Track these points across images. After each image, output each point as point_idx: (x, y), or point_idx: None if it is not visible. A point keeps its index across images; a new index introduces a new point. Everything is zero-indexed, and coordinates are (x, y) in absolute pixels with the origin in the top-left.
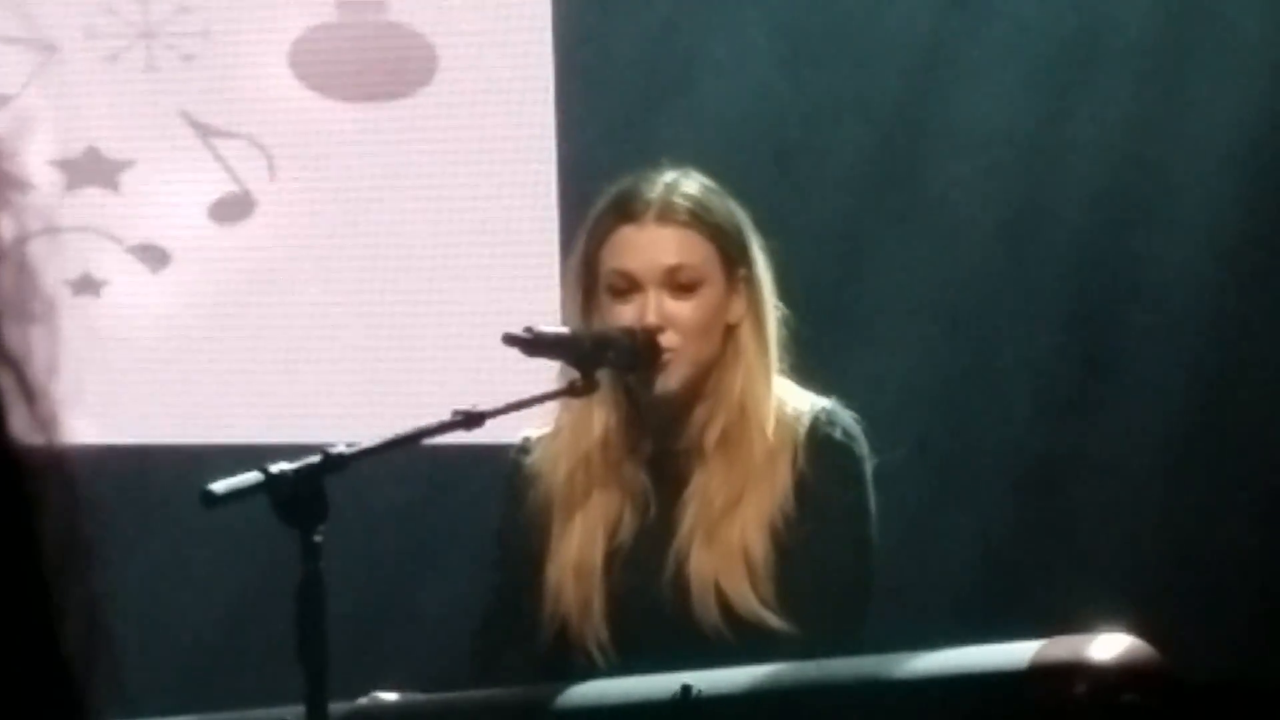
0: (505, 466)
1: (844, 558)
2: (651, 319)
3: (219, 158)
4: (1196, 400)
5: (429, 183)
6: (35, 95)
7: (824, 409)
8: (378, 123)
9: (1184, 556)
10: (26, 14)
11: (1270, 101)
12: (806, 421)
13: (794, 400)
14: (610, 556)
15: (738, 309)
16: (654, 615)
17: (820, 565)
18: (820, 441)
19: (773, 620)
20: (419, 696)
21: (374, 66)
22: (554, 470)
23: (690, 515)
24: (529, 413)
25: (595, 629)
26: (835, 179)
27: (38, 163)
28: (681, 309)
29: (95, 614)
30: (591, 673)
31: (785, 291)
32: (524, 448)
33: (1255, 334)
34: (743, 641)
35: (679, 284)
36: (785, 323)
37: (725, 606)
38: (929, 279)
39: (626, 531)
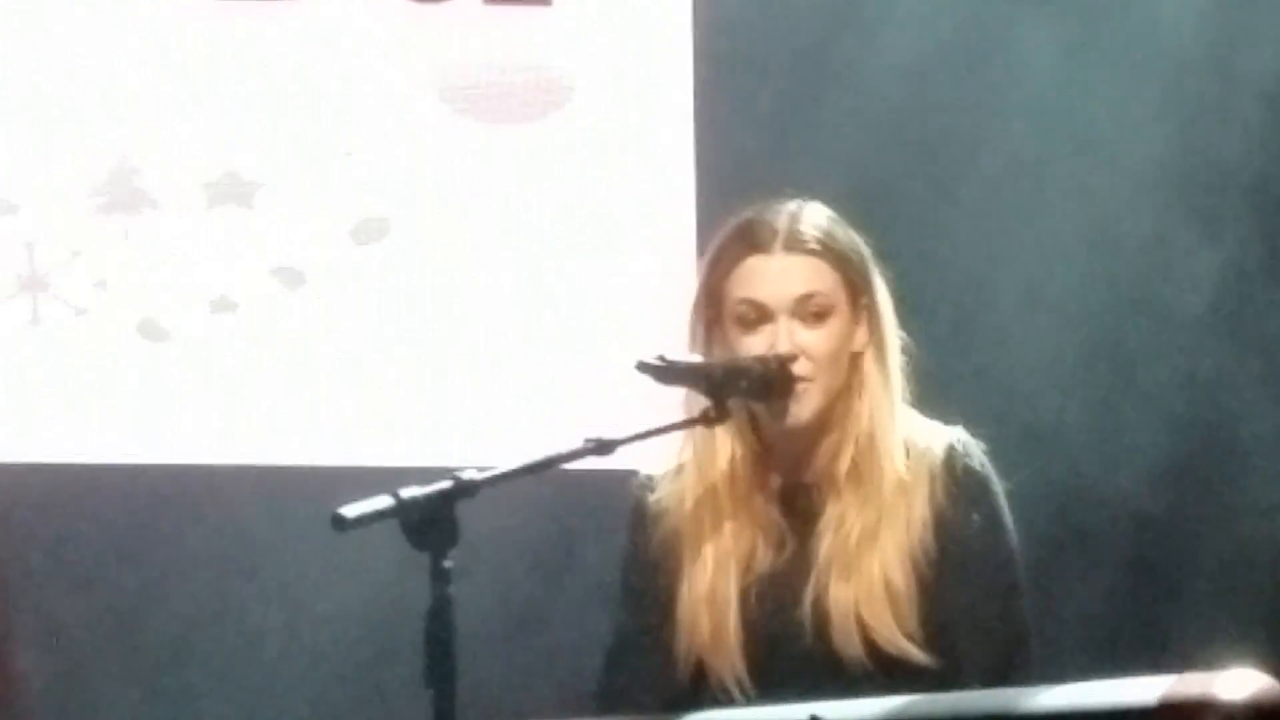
0: (628, 503)
1: (995, 595)
2: (785, 347)
3: (356, 178)
4: None
5: (564, 205)
6: (176, 116)
7: (958, 439)
8: (514, 145)
9: None
10: (165, 33)
11: None
12: (940, 452)
13: (922, 430)
14: (746, 589)
15: (861, 338)
16: (793, 648)
17: (972, 604)
18: (960, 473)
19: (915, 653)
20: None
21: (512, 89)
22: (681, 505)
23: (826, 547)
24: (654, 441)
25: (732, 661)
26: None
27: (178, 183)
28: (813, 337)
29: None
30: (729, 706)
31: (906, 321)
32: (645, 484)
33: None
34: (884, 674)
35: (809, 312)
36: (907, 351)
37: (867, 639)
38: (1065, 303)
39: (761, 564)
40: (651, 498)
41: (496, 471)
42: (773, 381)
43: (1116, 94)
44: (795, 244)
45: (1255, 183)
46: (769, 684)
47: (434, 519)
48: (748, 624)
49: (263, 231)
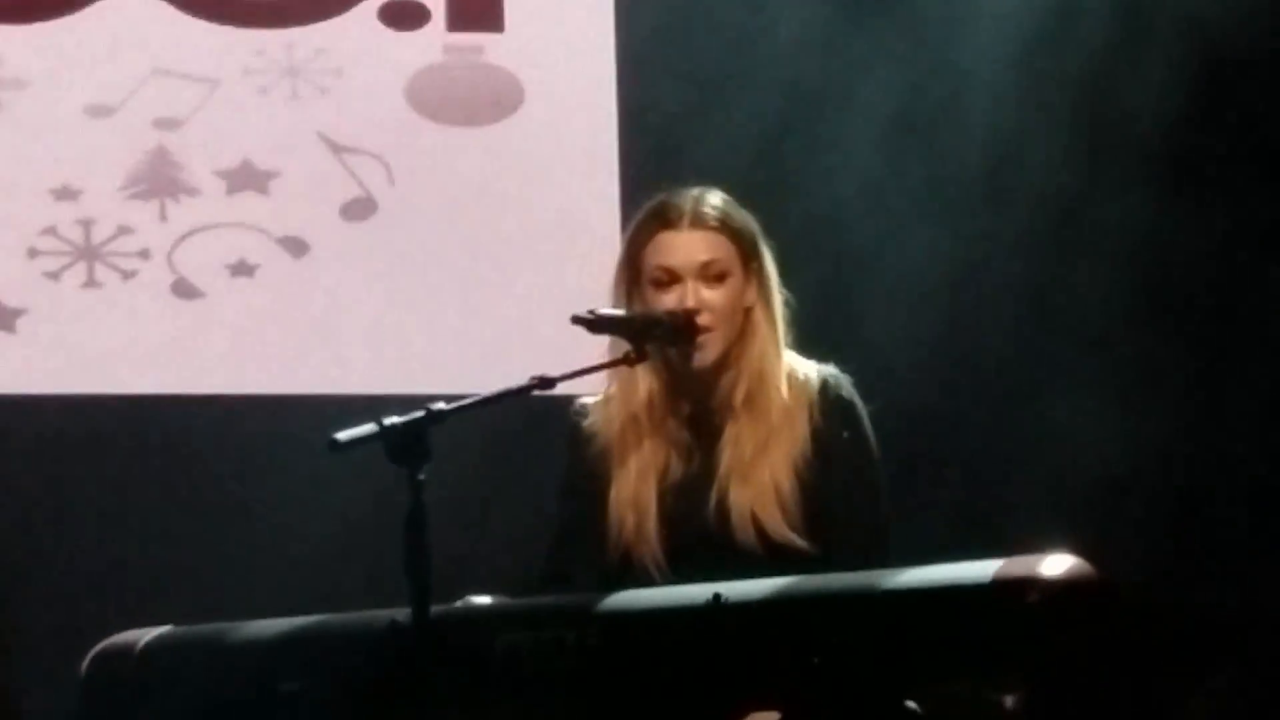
0: (566, 426)
1: (860, 495)
2: (691, 303)
3: (348, 169)
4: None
5: (516, 191)
6: (202, 120)
7: (830, 374)
8: (475, 142)
9: (1118, 497)
10: (195, 57)
11: None
12: (816, 383)
13: (802, 367)
14: (662, 494)
15: (751, 295)
16: (701, 539)
17: (842, 502)
18: (831, 399)
19: (799, 542)
20: (502, 600)
21: (472, 98)
22: (609, 427)
23: (726, 459)
24: (586, 378)
25: (653, 551)
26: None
27: (204, 172)
28: (713, 295)
29: None
30: (650, 586)
31: (787, 282)
32: (580, 411)
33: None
34: (773, 560)
35: (710, 275)
36: (788, 305)
37: (760, 532)
38: (912, 275)
39: (674, 474)
40: (585, 422)
41: (461, 403)
42: (681, 330)
43: (947, 125)
44: (699, 221)
45: (1052, 191)
46: (681, 568)
47: (411, 441)
48: (664, 521)
49: (273, 210)
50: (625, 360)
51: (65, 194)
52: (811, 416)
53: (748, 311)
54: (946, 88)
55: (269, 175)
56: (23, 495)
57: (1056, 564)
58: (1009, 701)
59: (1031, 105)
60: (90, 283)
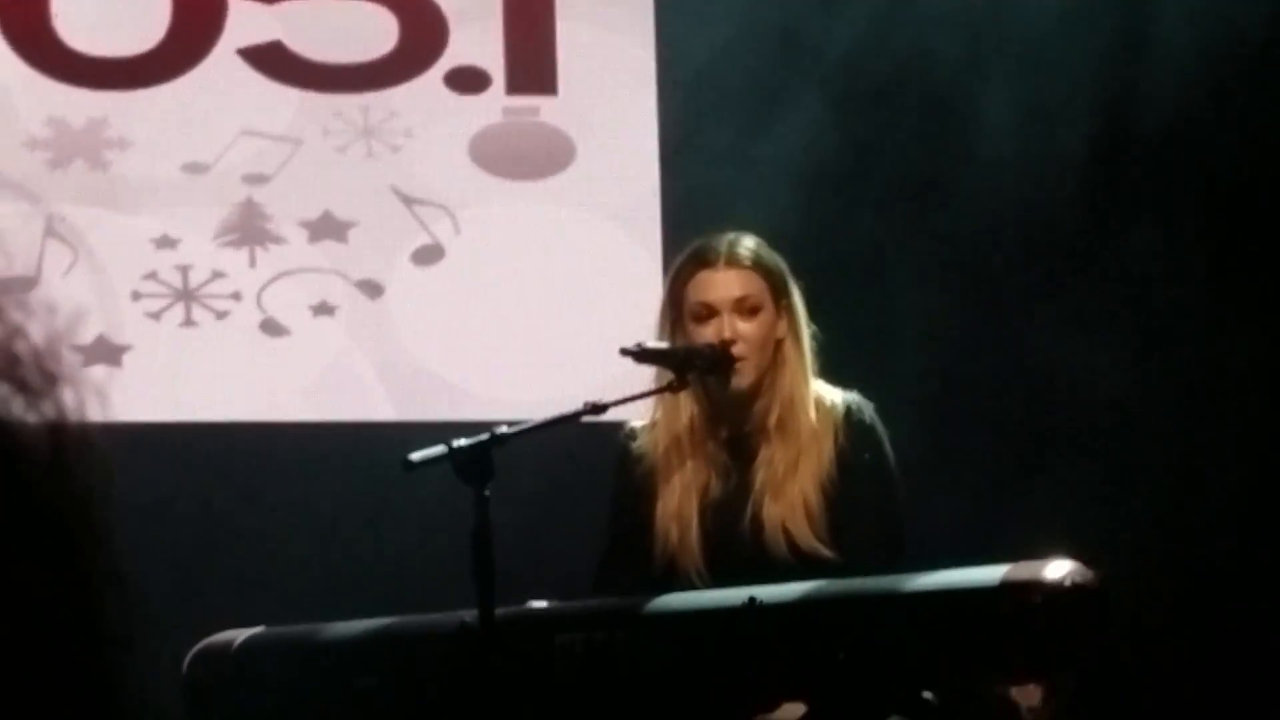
0: (616, 448)
1: (880, 510)
2: (727, 334)
3: (418, 219)
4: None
5: (568, 237)
6: (287, 176)
7: (854, 400)
8: (531, 194)
9: (1111, 511)
10: (280, 119)
11: None
12: (841, 408)
13: (828, 394)
14: (703, 509)
15: (782, 328)
16: (737, 549)
17: (863, 516)
18: (854, 423)
19: (825, 552)
20: (559, 603)
21: (529, 154)
22: (654, 449)
23: (760, 478)
24: (633, 404)
25: (694, 561)
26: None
27: (289, 223)
28: (747, 327)
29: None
30: (693, 590)
31: (813, 316)
32: (630, 434)
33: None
34: (802, 566)
35: (744, 309)
36: (815, 337)
37: (790, 542)
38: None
39: (714, 491)
40: (634, 444)
41: (522, 426)
42: (719, 359)
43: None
44: (734, 261)
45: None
46: (720, 575)
47: (477, 461)
48: (705, 533)
49: (351, 256)
50: (668, 388)
51: (165, 243)
52: (837, 439)
53: (779, 343)
54: (963, 150)
55: (347, 225)
56: (130, 511)
57: (1058, 568)
58: (1023, 701)
59: (1048, 144)
60: (188, 322)
